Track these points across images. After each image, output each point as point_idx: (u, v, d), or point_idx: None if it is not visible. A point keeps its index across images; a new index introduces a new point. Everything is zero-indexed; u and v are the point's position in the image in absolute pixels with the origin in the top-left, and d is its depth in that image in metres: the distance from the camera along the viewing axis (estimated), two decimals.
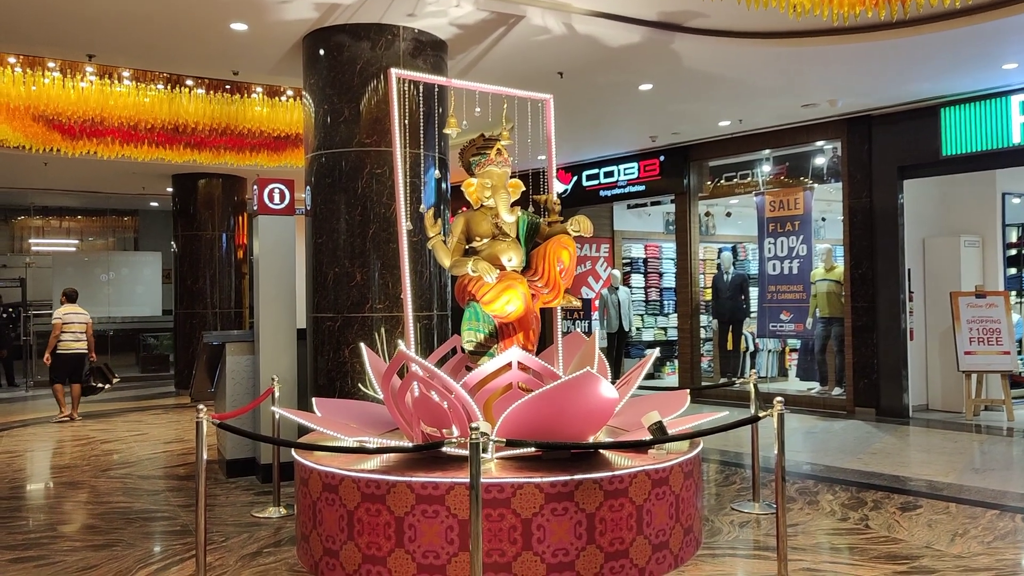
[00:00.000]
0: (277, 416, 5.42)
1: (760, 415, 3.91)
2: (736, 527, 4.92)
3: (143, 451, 7.74)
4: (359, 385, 5.84)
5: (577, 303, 4.86)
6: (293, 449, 4.47)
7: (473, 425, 3.28)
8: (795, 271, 10.26)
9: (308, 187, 6.18)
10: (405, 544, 3.80)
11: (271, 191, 6.35)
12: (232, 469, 6.46)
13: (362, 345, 5.10)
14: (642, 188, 11.63)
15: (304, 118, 6.29)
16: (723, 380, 11.28)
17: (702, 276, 12.23)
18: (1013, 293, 10.35)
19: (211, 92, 8.26)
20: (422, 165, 5.97)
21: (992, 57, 7.18)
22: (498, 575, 3.73)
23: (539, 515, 3.75)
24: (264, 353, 6.28)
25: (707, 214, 13.31)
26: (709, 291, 12.38)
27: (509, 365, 4.28)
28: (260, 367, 6.25)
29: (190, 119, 8.34)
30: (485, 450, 3.73)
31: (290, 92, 8.50)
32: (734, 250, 13.76)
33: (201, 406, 3.95)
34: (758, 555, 4.39)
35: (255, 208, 6.39)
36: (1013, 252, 10.37)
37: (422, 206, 4.85)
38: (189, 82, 8.02)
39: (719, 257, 12.80)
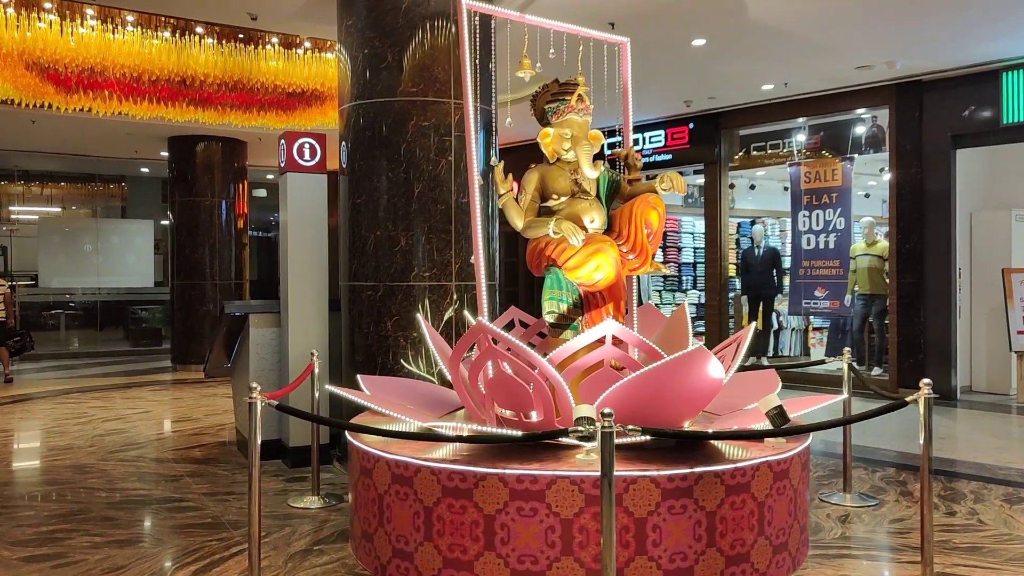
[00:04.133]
0: (317, 395, 4.86)
1: (907, 400, 3.40)
2: (836, 522, 4.43)
3: (149, 431, 7.15)
4: (401, 361, 5.29)
5: (667, 270, 4.33)
6: (349, 433, 3.91)
7: (606, 411, 2.73)
8: (832, 245, 9.79)
9: (344, 142, 5.57)
10: (496, 546, 3.26)
11: (301, 146, 5.73)
12: None
13: (419, 317, 4.55)
14: (669, 157, 11.06)
15: (339, 66, 5.66)
16: (752, 360, 10.81)
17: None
18: None
19: (222, 42, 7.60)
20: (478, 119, 5.37)
21: None
22: None
23: (655, 514, 3.23)
24: (294, 325, 5.69)
25: (730, 186, 12.76)
26: (732, 266, 11.88)
27: (601, 340, 3.75)
28: (290, 340, 5.66)
29: (199, 71, 7.67)
30: (591, 438, 3.18)
31: (308, 44, 7.85)
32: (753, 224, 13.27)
33: (254, 384, 3.38)
34: (877, 555, 3.91)
35: (283, 164, 5.77)
36: None
37: (493, 158, 4.29)
38: (199, 30, 7.35)
39: (738, 231, 12.32)
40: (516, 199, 4.23)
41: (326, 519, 4.52)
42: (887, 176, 11.09)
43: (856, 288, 9.80)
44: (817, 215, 9.92)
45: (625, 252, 4.18)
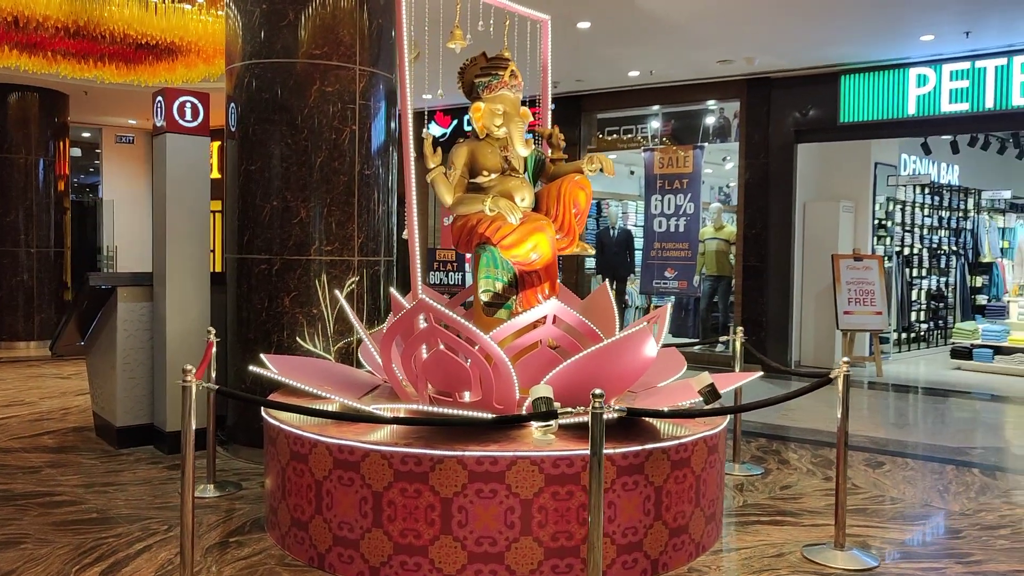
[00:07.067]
0: (215, 376, 4.51)
1: (831, 375, 3.68)
2: (735, 491, 4.71)
3: None
4: (297, 339, 5.02)
5: (591, 251, 4.38)
6: (272, 415, 3.65)
7: (596, 392, 2.73)
8: (682, 229, 10.33)
9: (233, 104, 5.16)
10: (453, 529, 3.19)
11: (182, 104, 5.24)
12: (126, 438, 5.38)
13: (338, 294, 4.33)
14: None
15: (227, 20, 5.22)
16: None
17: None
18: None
19: None
20: (382, 87, 5.16)
21: (910, 26, 7.41)
22: (564, 560, 3.23)
23: (610, 491, 3.28)
24: (171, 300, 5.23)
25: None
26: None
27: (542, 319, 3.75)
28: (167, 316, 5.20)
29: (37, 12, 6.80)
30: (545, 420, 3.17)
31: None
32: (598, 206, 13.75)
33: (187, 366, 3.08)
34: (784, 520, 4.19)
35: (161, 124, 5.26)
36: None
37: (424, 130, 4.14)
38: None
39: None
40: (446, 174, 4.12)
41: (231, 508, 4.21)
42: (728, 165, 11.87)
43: (704, 270, 10.42)
44: (669, 199, 10.41)
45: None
